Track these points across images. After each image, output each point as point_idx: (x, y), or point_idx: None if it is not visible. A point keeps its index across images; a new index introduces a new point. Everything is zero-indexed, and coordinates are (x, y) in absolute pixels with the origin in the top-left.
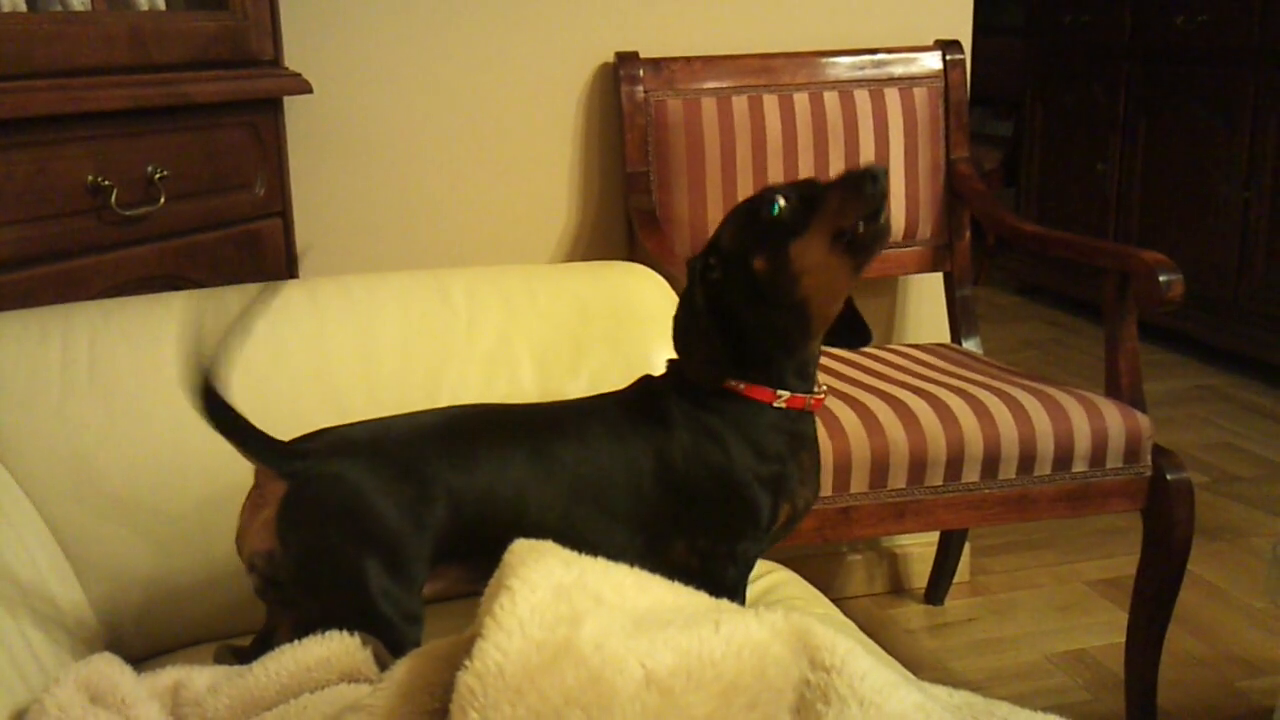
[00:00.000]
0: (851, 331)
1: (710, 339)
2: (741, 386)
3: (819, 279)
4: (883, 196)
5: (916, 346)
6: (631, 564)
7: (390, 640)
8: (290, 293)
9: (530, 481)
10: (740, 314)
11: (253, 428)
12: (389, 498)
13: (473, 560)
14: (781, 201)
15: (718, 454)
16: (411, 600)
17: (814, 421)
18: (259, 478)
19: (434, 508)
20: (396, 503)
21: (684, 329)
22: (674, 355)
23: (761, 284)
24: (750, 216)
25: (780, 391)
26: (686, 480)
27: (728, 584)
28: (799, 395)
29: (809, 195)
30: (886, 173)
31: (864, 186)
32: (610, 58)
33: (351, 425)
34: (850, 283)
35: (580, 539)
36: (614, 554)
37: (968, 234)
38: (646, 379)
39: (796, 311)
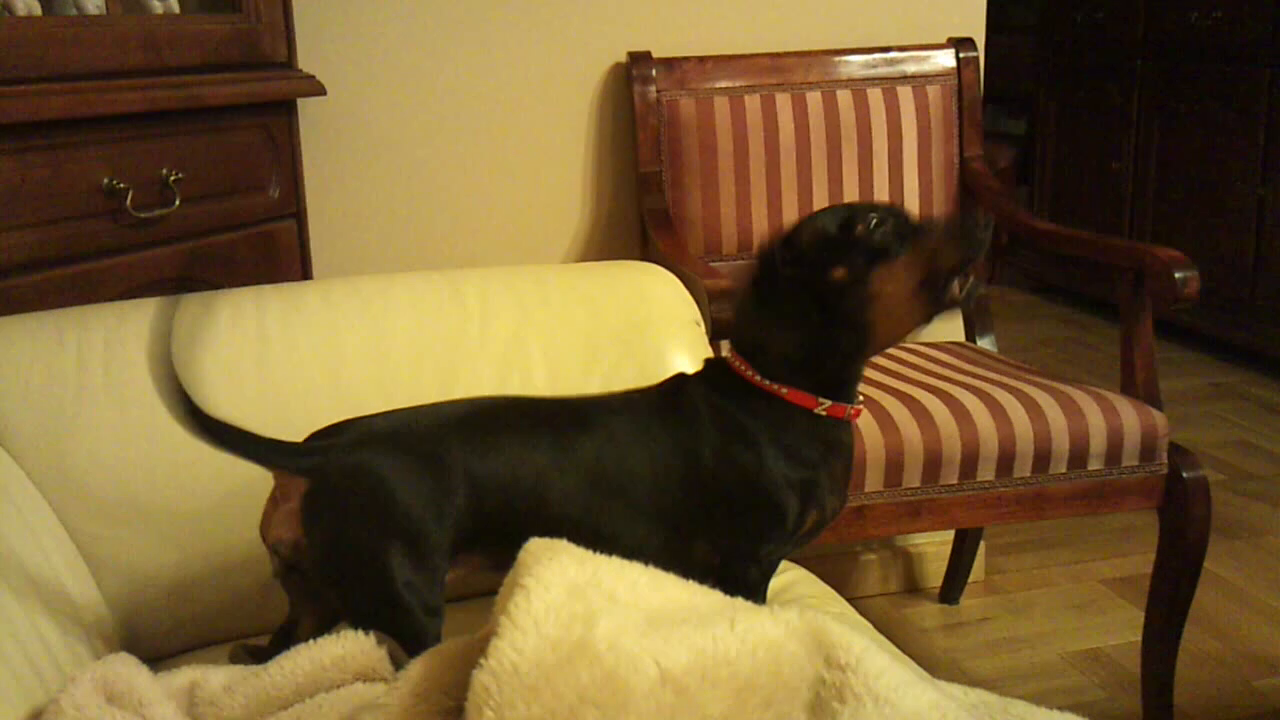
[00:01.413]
0: None
1: (787, 327)
2: (784, 390)
3: (891, 309)
4: (985, 244)
5: (931, 345)
6: (652, 560)
7: (411, 632)
8: (304, 294)
9: (552, 472)
10: (799, 316)
11: (251, 435)
12: (411, 488)
13: (494, 549)
14: (881, 221)
15: (749, 456)
16: (433, 592)
17: (850, 430)
18: (278, 478)
19: (454, 498)
20: (418, 493)
21: (758, 317)
22: (707, 355)
23: (831, 294)
24: (843, 223)
25: (822, 399)
26: (714, 480)
27: (749, 584)
28: (840, 405)
29: (903, 225)
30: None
31: (974, 230)
32: (623, 57)
33: (376, 415)
34: (918, 325)
35: (602, 532)
36: (635, 549)
37: None
38: (680, 377)
39: (857, 330)
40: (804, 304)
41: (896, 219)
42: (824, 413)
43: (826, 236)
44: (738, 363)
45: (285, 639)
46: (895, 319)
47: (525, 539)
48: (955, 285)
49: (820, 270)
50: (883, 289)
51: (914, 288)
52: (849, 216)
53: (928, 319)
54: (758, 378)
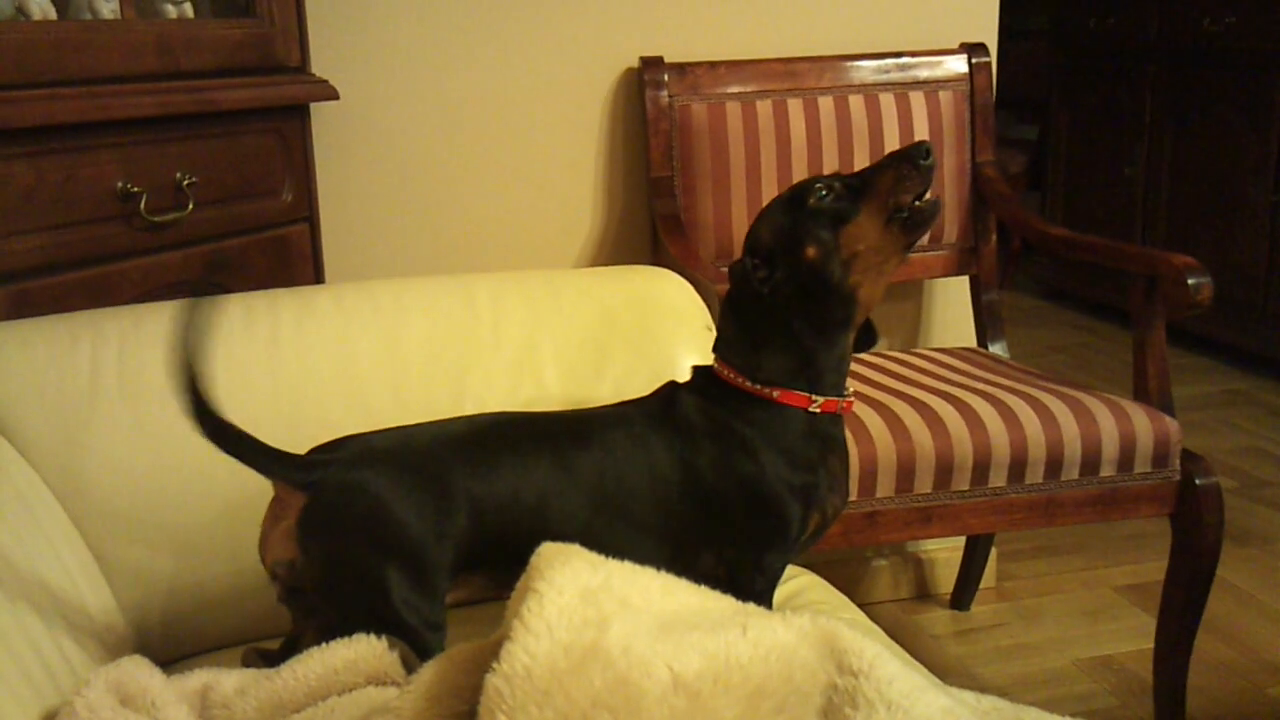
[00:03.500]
0: (861, 331)
1: (779, 327)
2: (775, 394)
3: (871, 261)
4: (933, 169)
5: (942, 350)
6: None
7: (413, 648)
8: (316, 297)
9: (553, 491)
10: (781, 311)
11: (259, 444)
12: (410, 507)
13: (495, 569)
14: (826, 188)
15: (748, 464)
16: (434, 608)
17: (843, 425)
18: (278, 490)
19: (455, 516)
20: (418, 512)
21: (745, 326)
22: (700, 361)
23: (809, 273)
24: (793, 207)
25: (814, 396)
26: (715, 491)
27: (755, 594)
28: (832, 399)
29: (850, 182)
30: (933, 147)
31: (918, 159)
32: (635, 63)
33: (376, 433)
34: (900, 263)
35: (604, 549)
36: (639, 563)
37: (994, 238)
38: (672, 386)
39: (843, 299)
40: (788, 296)
41: (839, 178)
42: (818, 410)
43: (782, 225)
44: (726, 370)
45: (290, 652)
46: (876, 268)
47: (527, 560)
48: (916, 204)
49: (792, 259)
50: (856, 247)
51: (881, 230)
52: (794, 196)
53: (907, 249)
54: (748, 383)
